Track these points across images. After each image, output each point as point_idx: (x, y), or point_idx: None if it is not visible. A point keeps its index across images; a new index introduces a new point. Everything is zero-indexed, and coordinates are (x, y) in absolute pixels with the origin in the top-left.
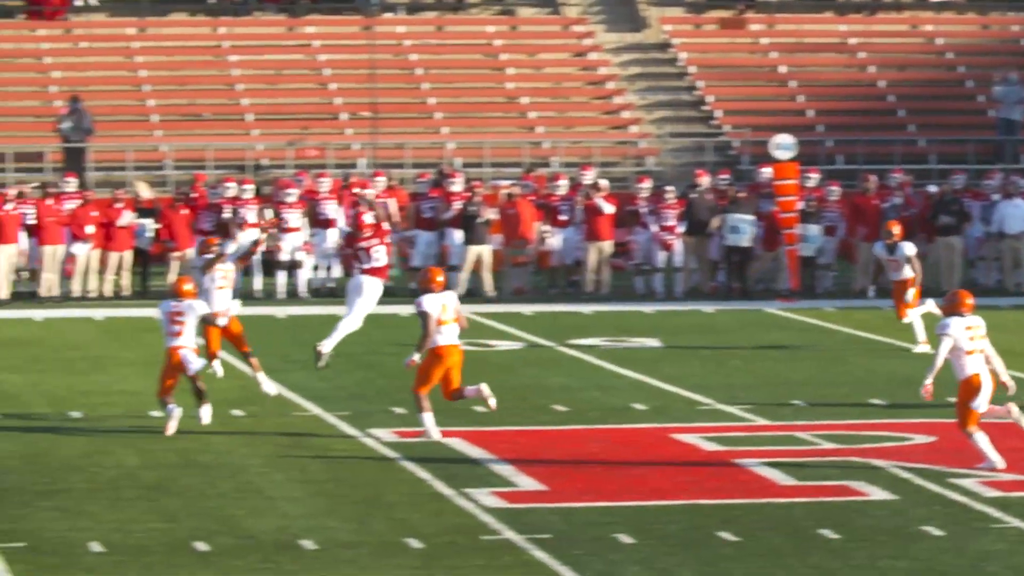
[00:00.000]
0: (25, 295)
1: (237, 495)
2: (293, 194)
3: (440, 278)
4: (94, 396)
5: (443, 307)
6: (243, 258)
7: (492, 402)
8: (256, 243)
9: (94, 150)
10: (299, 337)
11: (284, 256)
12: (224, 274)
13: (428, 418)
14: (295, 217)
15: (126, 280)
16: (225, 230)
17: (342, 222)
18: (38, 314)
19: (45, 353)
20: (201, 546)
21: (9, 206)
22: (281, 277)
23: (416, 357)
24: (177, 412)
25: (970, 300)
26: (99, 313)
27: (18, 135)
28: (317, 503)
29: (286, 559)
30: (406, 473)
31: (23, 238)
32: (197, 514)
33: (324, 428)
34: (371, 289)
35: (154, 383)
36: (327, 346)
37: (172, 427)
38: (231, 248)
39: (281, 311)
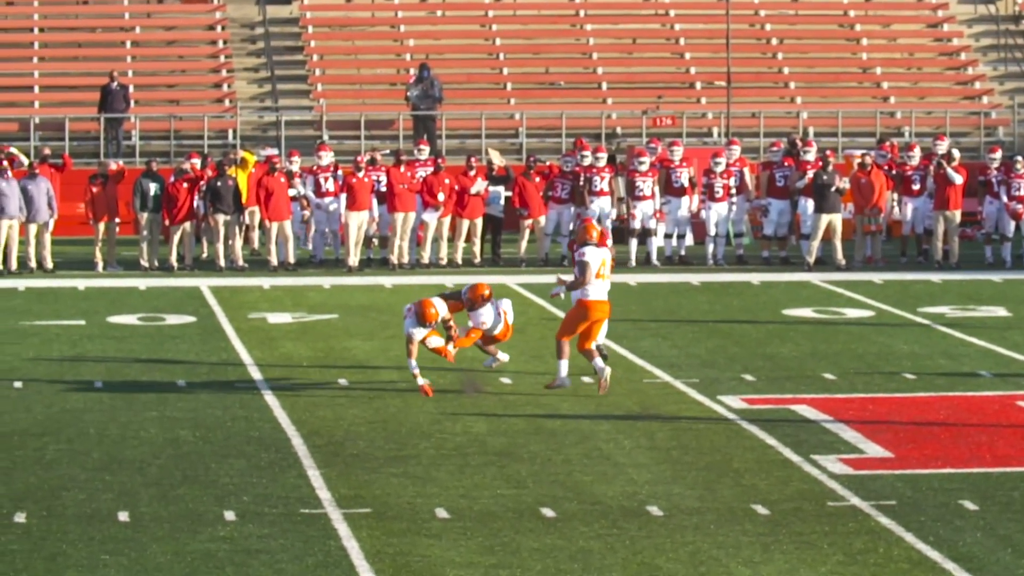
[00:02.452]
0: (376, 262)
1: (584, 461)
2: (646, 162)
3: (596, 232)
4: (444, 362)
5: (603, 262)
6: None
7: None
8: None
9: (447, 117)
10: (650, 305)
11: (636, 224)
12: None
13: (563, 365)
14: (647, 185)
15: (477, 247)
16: (581, 198)
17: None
18: (388, 281)
19: (395, 320)
20: (548, 512)
21: (361, 172)
22: (633, 244)
23: (562, 292)
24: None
25: None
26: (450, 280)
27: (371, 103)
28: (664, 470)
29: (632, 525)
30: (754, 440)
31: (375, 205)
32: (544, 480)
33: (673, 395)
34: None
35: (505, 349)
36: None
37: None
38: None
39: (632, 279)
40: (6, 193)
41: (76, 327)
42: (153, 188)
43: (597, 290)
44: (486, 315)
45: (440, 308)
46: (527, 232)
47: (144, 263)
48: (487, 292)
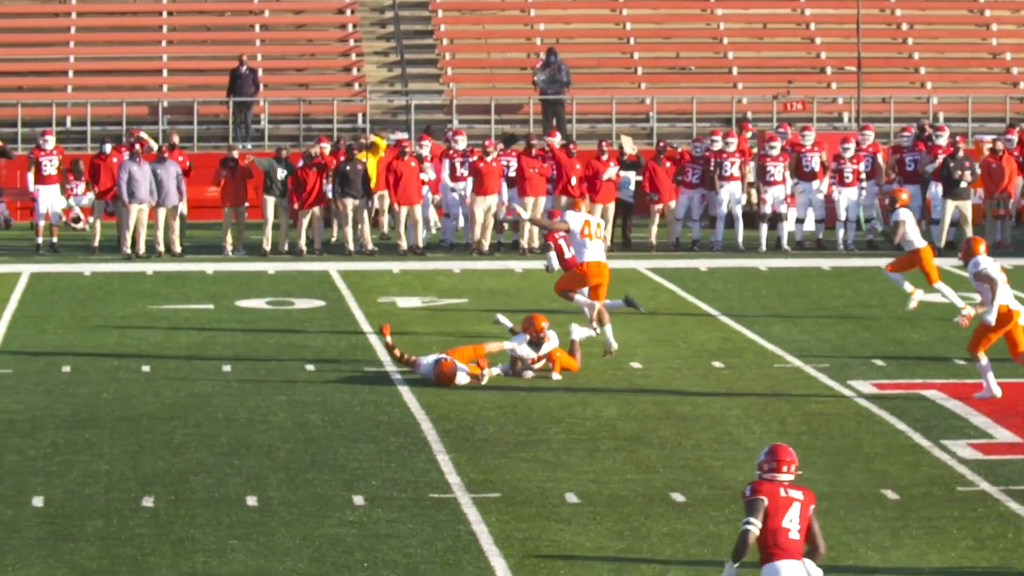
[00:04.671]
0: (506, 246)
1: (715, 446)
2: (776, 147)
3: (584, 206)
4: None
5: (587, 223)
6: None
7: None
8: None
9: (577, 102)
10: (781, 289)
11: (767, 209)
12: None
13: (578, 331)
14: (778, 170)
15: (608, 232)
16: (711, 183)
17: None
18: (518, 265)
19: (525, 304)
20: (678, 496)
21: (490, 157)
22: (763, 229)
23: (553, 263)
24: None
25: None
26: None
27: (501, 87)
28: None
29: None
30: (884, 424)
31: (504, 189)
32: (674, 465)
33: (803, 380)
34: None
35: (635, 335)
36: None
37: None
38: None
39: (763, 263)
40: (137, 177)
41: (204, 311)
42: (281, 173)
43: (591, 252)
44: (554, 338)
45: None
46: (657, 217)
47: (268, 247)
48: (546, 323)
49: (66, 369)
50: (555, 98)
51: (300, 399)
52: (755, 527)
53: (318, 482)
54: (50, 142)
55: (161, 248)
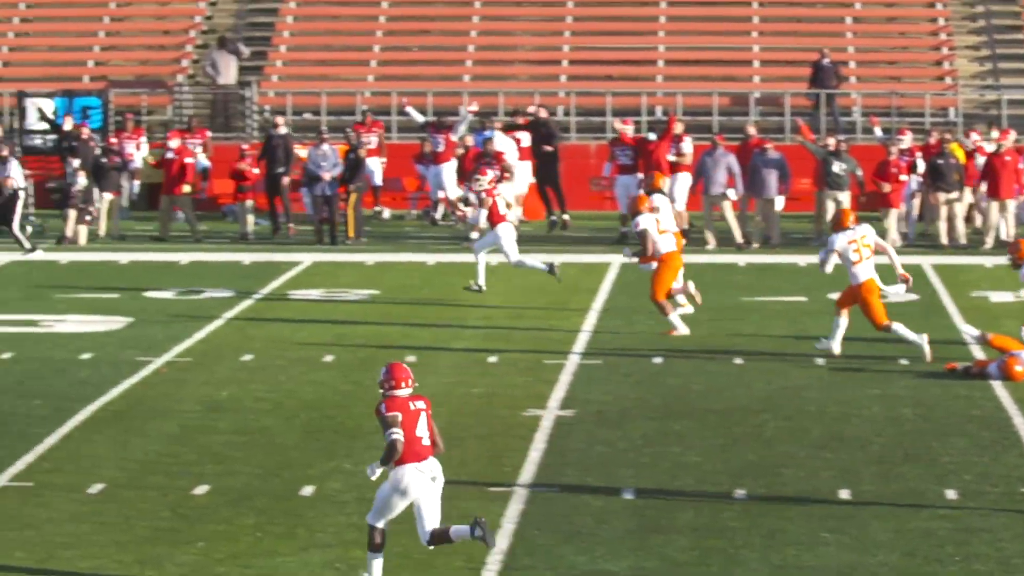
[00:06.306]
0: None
1: None
2: None
3: (646, 204)
4: None
5: (657, 221)
6: None
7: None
8: None
9: None
10: None
11: None
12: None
13: (674, 317)
14: None
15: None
16: None
17: None
18: None
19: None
20: None
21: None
22: None
23: (635, 259)
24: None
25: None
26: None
27: None
28: None
29: None
30: None
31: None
32: None
33: None
34: None
35: None
36: None
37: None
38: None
39: None
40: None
41: (797, 303)
42: (838, 166)
43: (665, 244)
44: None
45: None
46: None
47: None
48: None
49: (657, 360)
50: None
51: (893, 393)
52: (400, 435)
53: (911, 476)
54: None
55: (740, 240)
